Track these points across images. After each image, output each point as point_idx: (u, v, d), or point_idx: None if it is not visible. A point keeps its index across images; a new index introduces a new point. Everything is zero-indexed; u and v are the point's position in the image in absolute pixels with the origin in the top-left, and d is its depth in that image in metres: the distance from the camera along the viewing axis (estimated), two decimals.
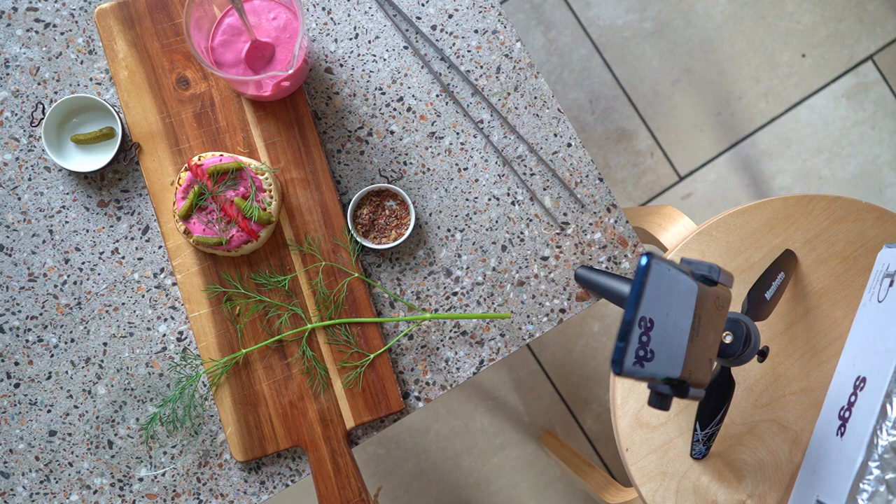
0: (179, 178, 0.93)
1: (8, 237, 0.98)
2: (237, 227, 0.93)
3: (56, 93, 0.99)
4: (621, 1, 1.84)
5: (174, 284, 0.98)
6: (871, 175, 1.87)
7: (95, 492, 0.96)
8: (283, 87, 0.94)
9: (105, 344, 0.97)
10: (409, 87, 1.01)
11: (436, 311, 0.99)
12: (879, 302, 0.96)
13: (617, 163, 1.83)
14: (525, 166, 1.01)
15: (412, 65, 1.01)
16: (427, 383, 0.98)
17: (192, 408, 0.97)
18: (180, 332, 0.98)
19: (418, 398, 0.98)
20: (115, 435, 0.97)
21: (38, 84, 0.99)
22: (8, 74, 0.99)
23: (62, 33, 0.99)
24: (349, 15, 1.01)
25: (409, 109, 1.00)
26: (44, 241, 0.98)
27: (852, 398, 0.94)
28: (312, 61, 1.00)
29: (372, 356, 0.96)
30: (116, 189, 0.98)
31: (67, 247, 0.98)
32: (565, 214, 1.00)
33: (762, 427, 1.00)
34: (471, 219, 1.00)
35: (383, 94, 1.00)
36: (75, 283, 0.97)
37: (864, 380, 0.93)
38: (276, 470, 0.97)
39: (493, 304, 0.99)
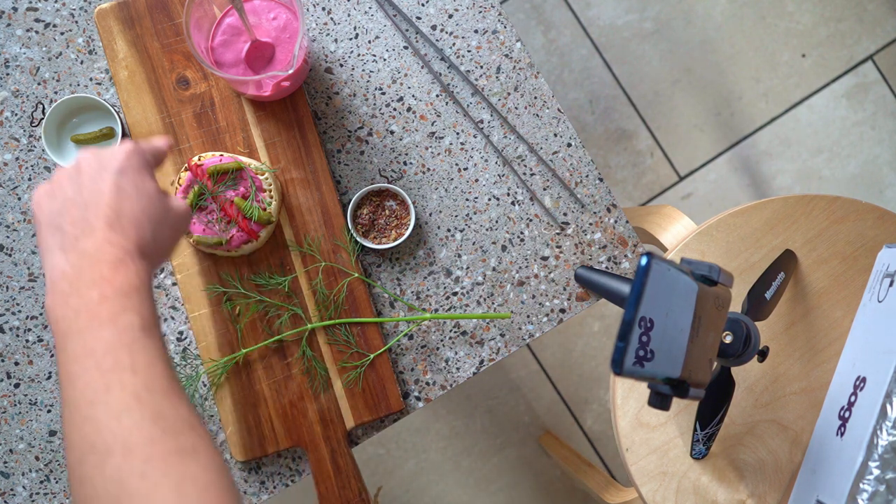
0: (179, 178, 0.93)
1: (8, 237, 0.98)
2: (237, 227, 0.93)
3: (56, 93, 0.99)
4: (621, 1, 1.84)
5: (174, 284, 0.98)
6: (871, 175, 1.87)
7: None
8: (283, 87, 0.94)
9: None
10: (409, 87, 1.00)
11: (436, 311, 0.99)
12: (879, 302, 0.96)
13: (617, 163, 1.83)
14: (525, 166, 1.00)
15: (412, 65, 1.01)
16: (427, 383, 0.98)
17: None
18: (180, 332, 0.98)
19: (418, 398, 0.98)
20: None
21: (38, 84, 0.99)
22: (8, 74, 0.99)
23: (62, 33, 0.99)
24: (349, 15, 1.01)
25: (409, 109, 1.00)
26: None
27: (852, 398, 0.94)
28: (312, 61, 1.00)
29: (372, 356, 0.96)
30: None
31: None
32: (565, 214, 1.00)
33: (762, 427, 1.00)
34: (471, 219, 1.00)
35: (383, 94, 1.00)
36: None
37: (864, 380, 0.93)
38: (276, 470, 0.97)
39: (493, 304, 0.99)
